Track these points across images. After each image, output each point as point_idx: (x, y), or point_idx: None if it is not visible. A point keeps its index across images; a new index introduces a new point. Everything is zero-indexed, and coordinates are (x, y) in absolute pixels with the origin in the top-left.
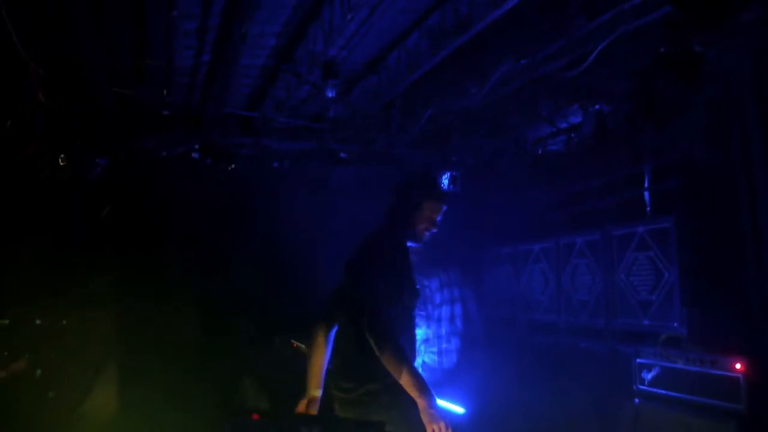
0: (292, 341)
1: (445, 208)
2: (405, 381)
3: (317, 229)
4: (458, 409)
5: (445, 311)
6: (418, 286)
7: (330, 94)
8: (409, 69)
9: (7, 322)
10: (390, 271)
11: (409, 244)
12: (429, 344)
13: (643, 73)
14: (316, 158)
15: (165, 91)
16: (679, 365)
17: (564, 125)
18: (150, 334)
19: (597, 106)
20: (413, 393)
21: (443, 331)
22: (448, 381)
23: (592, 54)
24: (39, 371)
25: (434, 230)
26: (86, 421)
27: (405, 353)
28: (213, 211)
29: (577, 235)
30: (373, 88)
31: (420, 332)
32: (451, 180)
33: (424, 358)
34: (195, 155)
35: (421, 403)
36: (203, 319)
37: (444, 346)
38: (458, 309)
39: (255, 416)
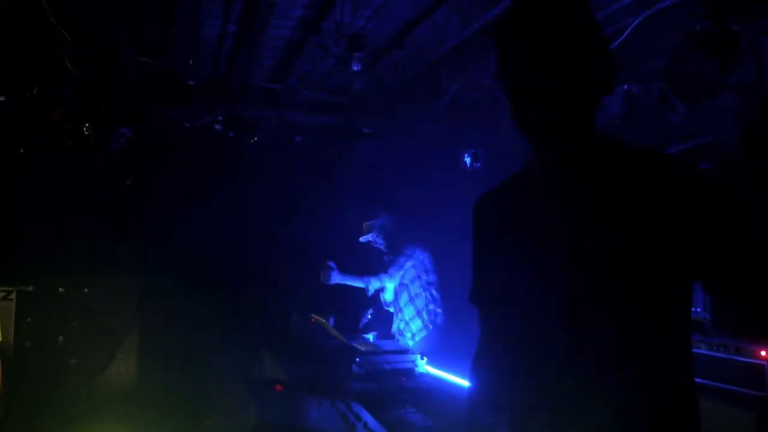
0: (312, 316)
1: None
2: None
3: (337, 205)
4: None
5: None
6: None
7: (355, 67)
8: (437, 43)
9: (30, 289)
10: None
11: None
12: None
13: (675, 51)
14: (338, 132)
15: (191, 61)
16: (702, 350)
17: None
18: (171, 304)
19: (625, 86)
20: None
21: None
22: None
23: (627, 29)
24: (61, 338)
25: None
26: (107, 388)
27: (474, 400)
28: (235, 183)
29: None
30: (398, 61)
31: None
32: (473, 157)
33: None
34: (218, 127)
35: None
36: (224, 291)
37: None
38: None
39: (278, 387)
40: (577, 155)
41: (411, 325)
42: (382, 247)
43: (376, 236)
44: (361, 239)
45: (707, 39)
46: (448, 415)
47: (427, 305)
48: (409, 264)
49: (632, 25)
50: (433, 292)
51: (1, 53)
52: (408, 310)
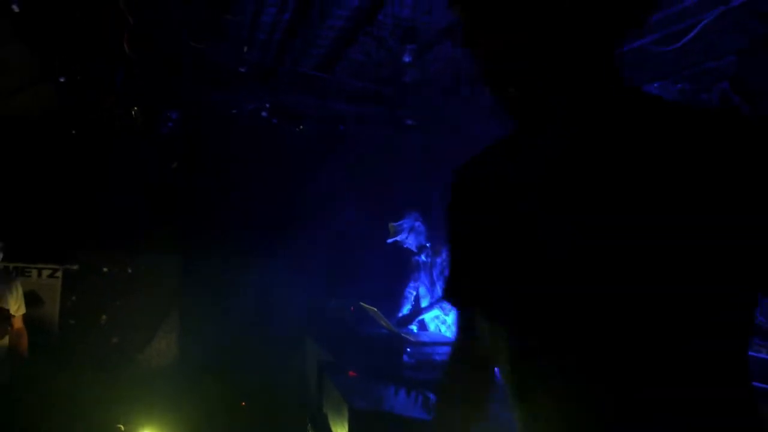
0: (360, 304)
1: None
2: None
3: (381, 196)
4: None
5: None
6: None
7: (407, 59)
8: None
9: (76, 267)
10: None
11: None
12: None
13: (739, 52)
14: (382, 123)
15: (245, 48)
16: (763, 355)
17: None
18: (213, 286)
19: (679, 85)
20: None
21: None
22: None
23: (693, 30)
24: (104, 317)
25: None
26: (147, 367)
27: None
28: (279, 169)
29: None
30: (447, 55)
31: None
32: None
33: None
34: (264, 114)
35: None
36: (265, 276)
37: None
38: None
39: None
40: (586, 120)
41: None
42: (412, 248)
43: (406, 237)
44: (389, 241)
45: None
46: None
47: None
48: None
49: (701, 24)
50: None
51: (69, 34)
52: (451, 314)
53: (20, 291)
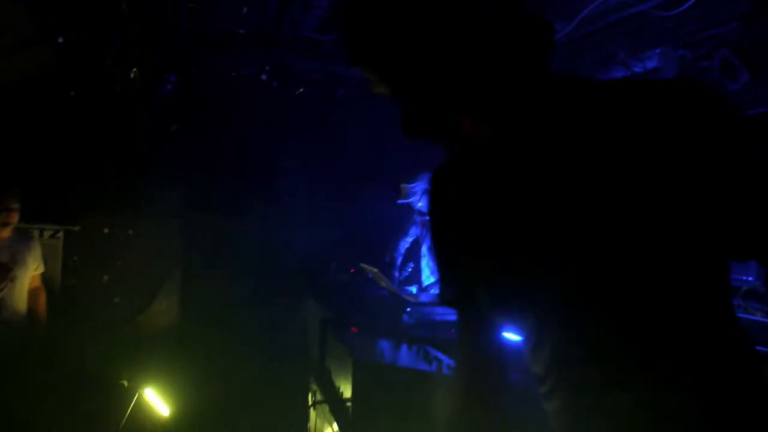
0: (362, 265)
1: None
2: None
3: (380, 162)
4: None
5: None
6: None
7: None
8: None
9: (77, 228)
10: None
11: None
12: None
13: (742, 17)
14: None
15: (245, 9)
16: (758, 317)
17: (639, 69)
18: (214, 247)
19: (680, 51)
20: None
21: None
22: None
23: None
24: (106, 278)
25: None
26: (148, 326)
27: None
28: (278, 131)
29: None
30: None
31: None
32: None
33: None
34: (264, 77)
35: None
36: (266, 236)
37: None
38: None
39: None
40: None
41: None
42: (424, 210)
43: (419, 199)
44: (399, 201)
45: None
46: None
47: None
48: None
49: None
50: None
51: None
52: None
53: (39, 250)
